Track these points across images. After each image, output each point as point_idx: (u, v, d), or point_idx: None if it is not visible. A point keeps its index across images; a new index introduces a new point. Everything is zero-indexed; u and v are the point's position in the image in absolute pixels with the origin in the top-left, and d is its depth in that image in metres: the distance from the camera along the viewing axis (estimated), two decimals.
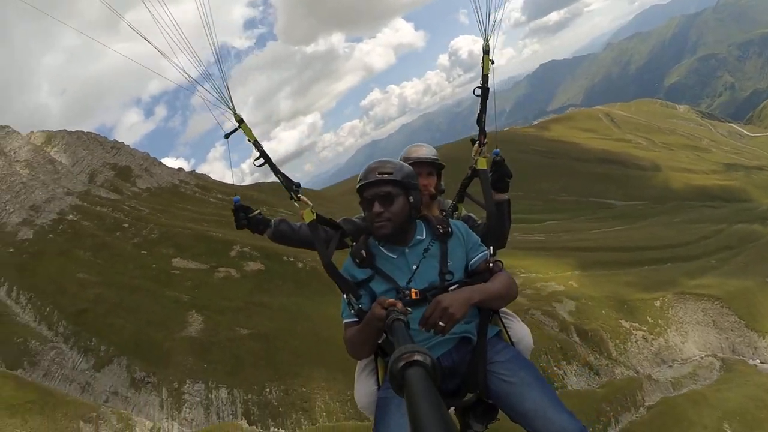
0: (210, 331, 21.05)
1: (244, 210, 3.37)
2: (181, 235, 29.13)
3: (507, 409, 2.63)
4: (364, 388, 2.97)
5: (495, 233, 3.26)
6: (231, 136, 3.48)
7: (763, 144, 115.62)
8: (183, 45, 3.14)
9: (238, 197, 3.38)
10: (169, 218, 32.72)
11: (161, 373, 18.82)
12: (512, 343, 3.01)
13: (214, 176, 48.57)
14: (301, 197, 3.29)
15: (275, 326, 21.28)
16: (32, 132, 42.59)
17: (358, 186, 2.87)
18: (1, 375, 17.72)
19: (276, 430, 16.44)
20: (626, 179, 77.21)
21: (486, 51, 3.41)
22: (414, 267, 2.78)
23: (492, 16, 3.32)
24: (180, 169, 45.62)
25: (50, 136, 42.54)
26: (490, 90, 3.43)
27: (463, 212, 3.71)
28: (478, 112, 3.46)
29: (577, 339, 20.29)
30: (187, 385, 18.37)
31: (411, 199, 2.83)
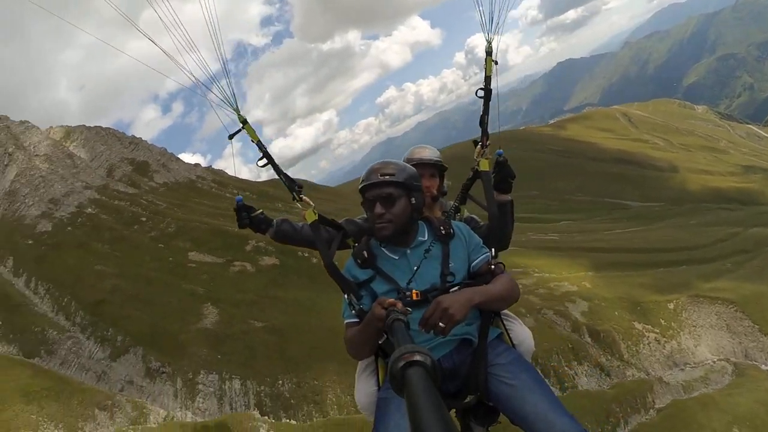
0: (225, 323, 21.31)
1: (246, 209, 3.36)
2: (197, 229, 29.46)
3: (508, 412, 2.61)
4: (365, 388, 2.97)
5: (497, 235, 3.22)
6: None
7: None
8: (191, 46, 3.14)
9: (241, 197, 3.39)
10: (186, 212, 33.06)
11: (176, 364, 19.12)
12: (513, 345, 2.99)
13: (231, 172, 48.57)
14: (304, 198, 3.27)
15: (289, 320, 21.48)
16: (51, 127, 43.23)
17: (360, 187, 2.88)
18: (18, 363, 18.14)
19: (288, 421, 16.63)
20: (643, 180, 76.25)
21: (489, 52, 3.40)
22: (415, 268, 2.78)
23: (495, 19, 3.31)
24: (197, 165, 45.94)
25: (69, 131, 43.16)
26: (493, 92, 3.39)
27: (466, 214, 3.68)
28: (481, 113, 3.43)
29: (589, 340, 20.26)
30: (201, 375, 18.65)
31: (413, 200, 2.82)
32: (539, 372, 2.72)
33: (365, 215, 3.01)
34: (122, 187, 36.65)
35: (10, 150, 35.45)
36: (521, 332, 3.11)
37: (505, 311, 3.13)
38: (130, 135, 45.45)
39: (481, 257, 2.90)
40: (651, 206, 64.67)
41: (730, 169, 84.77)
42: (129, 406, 16.33)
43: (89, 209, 31.31)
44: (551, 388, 2.64)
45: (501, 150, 3.36)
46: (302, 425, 16.07)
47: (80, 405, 15.59)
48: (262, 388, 18.35)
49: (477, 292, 2.63)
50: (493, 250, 3.07)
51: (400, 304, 2.26)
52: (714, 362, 19.93)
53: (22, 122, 39.56)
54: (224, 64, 3.39)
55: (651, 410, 16.59)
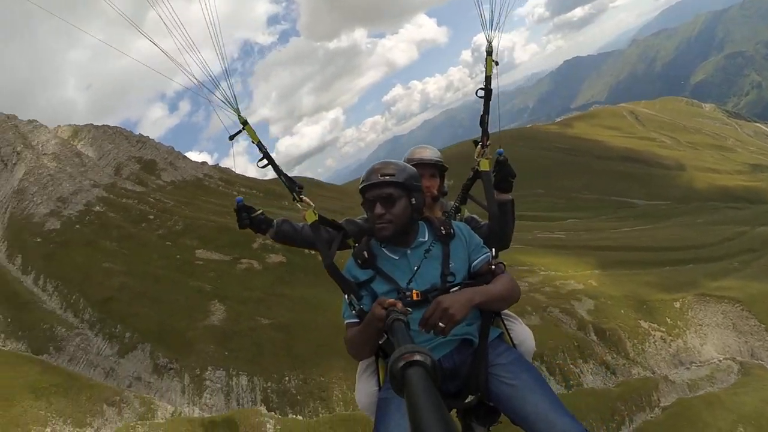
0: (232, 320, 21.41)
1: (246, 210, 3.36)
2: (204, 227, 29.57)
3: (508, 412, 2.62)
4: (365, 388, 2.98)
5: (498, 235, 3.21)
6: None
7: None
8: (192, 47, 3.16)
9: (241, 198, 3.38)
10: (194, 210, 33.19)
11: (184, 360, 19.24)
12: (514, 345, 3.00)
13: (237, 170, 48.74)
14: (304, 198, 3.26)
15: (296, 317, 21.55)
16: (59, 126, 43.43)
17: (360, 187, 2.87)
18: (27, 360, 18.30)
19: (294, 417, 16.73)
20: (650, 178, 75.95)
21: (489, 52, 3.41)
22: (415, 268, 2.77)
23: (496, 19, 3.32)
24: (204, 163, 46.06)
25: (77, 130, 43.41)
26: (495, 91, 3.40)
27: (466, 213, 3.67)
28: (482, 113, 3.44)
29: (594, 338, 20.25)
30: (209, 371, 18.76)
31: (413, 200, 2.82)
32: (540, 372, 2.74)
33: (366, 215, 3.01)
34: (130, 185, 36.82)
35: (19, 149, 35.63)
36: (522, 332, 3.13)
37: (506, 311, 3.14)
38: (137, 134, 45.58)
39: (482, 257, 2.91)
40: (658, 204, 64.49)
41: (738, 168, 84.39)
42: (137, 401, 16.46)
43: (97, 207, 31.49)
44: (553, 387, 2.65)
45: (501, 149, 3.34)
46: (308, 421, 16.13)
47: (89, 401, 15.73)
48: (269, 384, 18.45)
49: (477, 292, 2.64)
50: (493, 250, 3.07)
51: (400, 304, 2.26)
52: (720, 361, 19.87)
53: (30, 121, 39.74)
54: (225, 66, 3.40)
55: (656, 408, 16.58)
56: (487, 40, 3.39)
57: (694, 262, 29.54)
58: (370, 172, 2.85)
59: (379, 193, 2.78)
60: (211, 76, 3.32)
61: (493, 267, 2.87)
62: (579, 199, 69.22)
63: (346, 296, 2.84)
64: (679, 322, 21.48)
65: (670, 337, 20.78)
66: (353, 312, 2.77)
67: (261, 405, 17.30)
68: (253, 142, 3.41)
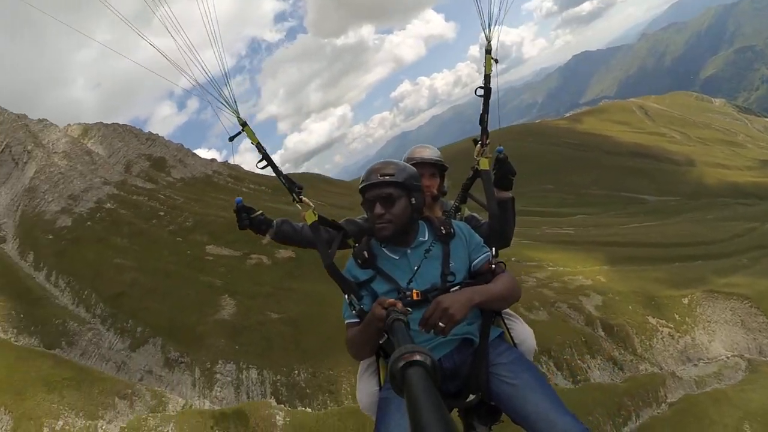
0: (242, 314, 21.63)
1: (246, 210, 3.33)
2: (214, 223, 29.81)
3: (509, 411, 2.61)
4: (366, 388, 2.98)
5: (498, 233, 3.19)
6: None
7: None
8: (192, 49, 3.16)
9: (241, 198, 3.37)
10: (203, 207, 33.44)
11: (194, 354, 19.48)
12: (515, 344, 3.00)
13: (246, 167, 48.88)
14: (303, 199, 3.27)
15: (304, 311, 21.74)
16: (69, 125, 43.87)
17: (360, 187, 2.87)
18: (40, 354, 18.56)
19: (303, 409, 16.91)
20: (659, 174, 75.35)
21: (488, 50, 3.39)
22: (415, 268, 2.77)
23: (495, 17, 3.31)
24: (213, 160, 46.40)
25: (87, 129, 43.83)
26: (498, 89, 3.37)
27: (467, 212, 3.66)
28: (481, 111, 3.40)
29: (602, 333, 20.28)
30: (219, 365, 19.00)
31: (413, 200, 2.81)
32: (541, 371, 2.77)
33: (366, 215, 3.00)
34: (140, 182, 37.10)
35: (29, 148, 35.98)
36: (522, 331, 3.12)
37: (507, 310, 3.15)
38: (146, 131, 45.96)
39: (482, 256, 2.90)
40: (667, 200, 64.08)
41: (748, 164, 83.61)
42: (148, 394, 16.70)
43: (108, 204, 31.77)
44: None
45: (501, 147, 3.31)
46: (317, 413, 16.32)
47: (101, 394, 15.98)
48: (279, 377, 18.65)
49: (477, 292, 2.63)
50: (493, 249, 3.06)
51: (400, 304, 2.27)
52: (728, 358, 19.82)
53: (40, 120, 40.10)
54: (225, 70, 3.42)
55: (663, 404, 16.61)
56: (486, 39, 3.38)
57: (703, 258, 29.41)
58: (369, 172, 2.85)
59: (378, 193, 2.78)
60: (211, 77, 3.35)
61: (494, 266, 2.86)
62: (588, 194, 68.87)
63: (346, 296, 2.86)
64: (687, 319, 21.44)
65: (678, 334, 20.75)
66: (353, 312, 2.79)
67: (271, 398, 17.51)
68: (252, 143, 3.44)
